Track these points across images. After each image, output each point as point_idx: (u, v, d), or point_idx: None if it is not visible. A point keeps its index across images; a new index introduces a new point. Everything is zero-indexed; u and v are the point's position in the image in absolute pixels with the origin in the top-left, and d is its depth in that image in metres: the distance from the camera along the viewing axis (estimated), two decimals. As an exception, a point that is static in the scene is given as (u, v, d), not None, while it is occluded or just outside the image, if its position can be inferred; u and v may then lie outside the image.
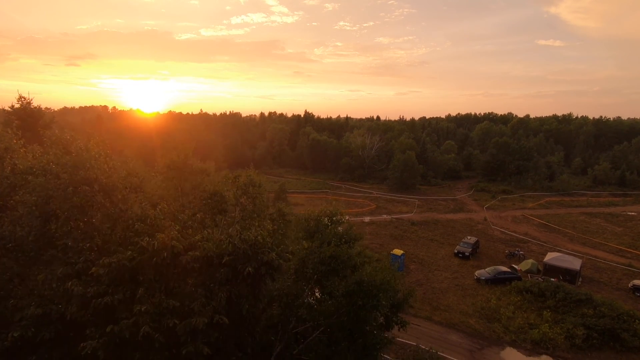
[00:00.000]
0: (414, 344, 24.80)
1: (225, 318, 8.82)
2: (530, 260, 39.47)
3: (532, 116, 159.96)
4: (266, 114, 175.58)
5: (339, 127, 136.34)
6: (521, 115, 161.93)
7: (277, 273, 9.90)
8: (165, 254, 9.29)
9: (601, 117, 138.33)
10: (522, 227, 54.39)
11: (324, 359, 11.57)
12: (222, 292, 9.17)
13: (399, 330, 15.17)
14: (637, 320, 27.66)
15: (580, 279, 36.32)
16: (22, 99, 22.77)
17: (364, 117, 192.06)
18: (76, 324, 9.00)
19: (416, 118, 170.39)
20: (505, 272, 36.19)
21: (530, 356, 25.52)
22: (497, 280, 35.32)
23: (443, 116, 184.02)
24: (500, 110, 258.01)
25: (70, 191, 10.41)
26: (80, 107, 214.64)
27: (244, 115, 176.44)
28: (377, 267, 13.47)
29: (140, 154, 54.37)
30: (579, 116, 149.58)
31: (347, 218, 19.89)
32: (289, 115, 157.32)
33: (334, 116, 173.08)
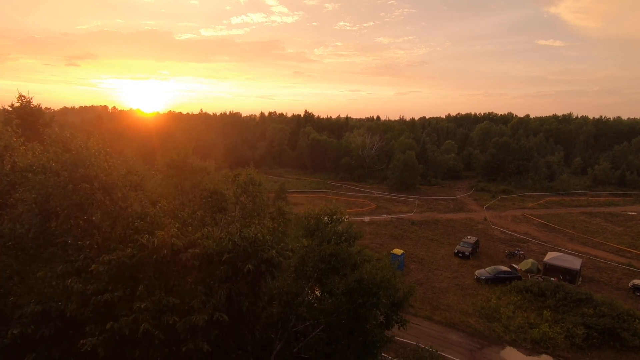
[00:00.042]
0: (414, 343, 24.77)
1: (225, 315, 8.81)
2: (530, 260, 39.46)
3: (532, 116, 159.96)
4: (266, 113, 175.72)
5: (339, 127, 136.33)
6: (521, 115, 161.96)
7: (277, 271, 9.88)
8: (165, 252, 9.29)
9: (601, 117, 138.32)
10: (522, 226, 54.38)
11: (324, 357, 11.56)
12: (222, 289, 9.15)
13: (399, 328, 15.16)
14: (637, 320, 27.64)
15: (580, 279, 36.31)
16: (22, 98, 22.78)
17: (364, 117, 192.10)
18: (76, 321, 8.98)
19: (416, 118, 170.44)
20: (505, 272, 36.18)
21: (530, 355, 25.50)
22: (497, 280, 35.32)
23: (443, 116, 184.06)
24: (500, 110, 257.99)
25: (70, 189, 10.40)
26: (80, 107, 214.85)
27: (244, 115, 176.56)
28: (378, 266, 13.45)
29: (140, 154, 54.39)
30: (579, 116, 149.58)
31: (347, 218, 19.89)
32: (289, 115, 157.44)
33: (334, 116, 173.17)
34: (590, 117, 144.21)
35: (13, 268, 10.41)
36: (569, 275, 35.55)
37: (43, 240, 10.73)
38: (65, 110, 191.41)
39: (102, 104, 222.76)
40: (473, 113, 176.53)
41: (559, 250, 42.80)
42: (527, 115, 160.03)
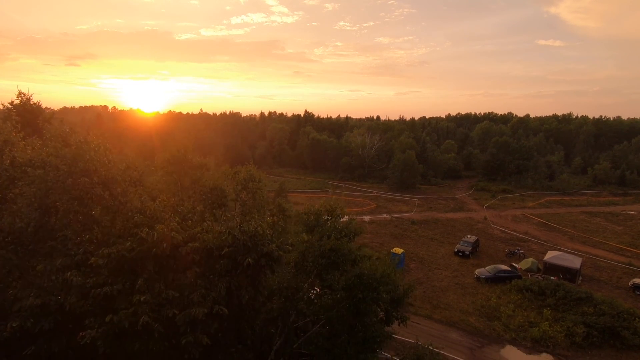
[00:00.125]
0: (414, 341, 24.74)
1: (224, 309, 8.80)
2: (531, 259, 39.42)
3: (532, 116, 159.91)
4: (266, 113, 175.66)
5: (339, 126, 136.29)
6: (521, 115, 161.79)
7: (277, 264, 9.87)
8: (165, 245, 9.28)
9: (601, 116, 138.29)
10: (522, 226, 54.35)
11: (324, 352, 11.54)
12: (222, 283, 9.15)
13: (399, 325, 15.13)
14: (637, 319, 27.60)
15: (580, 278, 36.27)
16: (22, 95, 22.71)
17: (364, 117, 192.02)
18: (75, 315, 8.96)
19: (416, 118, 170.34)
20: (505, 271, 36.14)
21: (530, 354, 25.46)
22: (497, 279, 35.28)
23: (443, 116, 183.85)
24: (500, 110, 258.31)
25: (70, 183, 10.39)
26: (80, 107, 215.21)
27: (244, 115, 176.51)
28: (378, 262, 13.42)
29: (140, 154, 54.41)
30: (579, 116, 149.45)
31: (347, 217, 19.82)
32: (289, 115, 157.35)
33: (334, 116, 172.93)
34: (590, 117, 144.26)
35: (13, 262, 10.38)
36: (569, 274, 35.51)
37: (42, 235, 10.72)
38: (65, 110, 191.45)
39: (102, 104, 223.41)
40: (473, 113, 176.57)
41: (559, 250, 42.77)
42: (527, 115, 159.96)
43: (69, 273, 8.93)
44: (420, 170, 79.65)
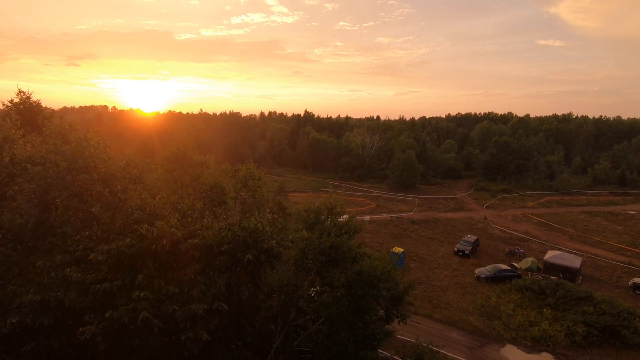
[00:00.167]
0: (414, 340, 24.74)
1: (224, 305, 8.77)
2: (531, 259, 39.40)
3: (532, 116, 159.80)
4: (266, 113, 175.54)
5: (339, 126, 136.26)
6: (521, 115, 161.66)
7: (276, 261, 9.85)
8: (164, 242, 9.26)
9: (601, 116, 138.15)
10: (522, 225, 54.33)
11: (323, 349, 11.52)
12: (222, 279, 9.12)
13: (399, 323, 15.12)
14: (637, 318, 27.57)
15: (580, 277, 36.25)
16: (22, 94, 22.66)
17: (364, 117, 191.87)
18: (75, 311, 8.94)
19: (416, 118, 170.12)
20: (505, 270, 36.12)
21: (530, 353, 25.44)
22: (497, 278, 35.26)
23: (443, 116, 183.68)
24: (500, 110, 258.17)
25: (69, 179, 10.38)
26: (80, 107, 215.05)
27: (244, 115, 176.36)
28: (378, 260, 13.39)
29: (140, 153, 54.39)
30: (579, 116, 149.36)
31: (345, 217, 19.78)
32: (289, 115, 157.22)
33: (334, 116, 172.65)
34: (590, 117, 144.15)
35: (12, 259, 10.37)
36: (569, 273, 35.48)
37: (42, 232, 10.71)
38: (65, 110, 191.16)
39: (102, 104, 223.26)
40: (473, 113, 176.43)
41: (559, 249, 42.75)
42: (527, 115, 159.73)
43: (68, 269, 8.91)
44: (420, 170, 79.63)
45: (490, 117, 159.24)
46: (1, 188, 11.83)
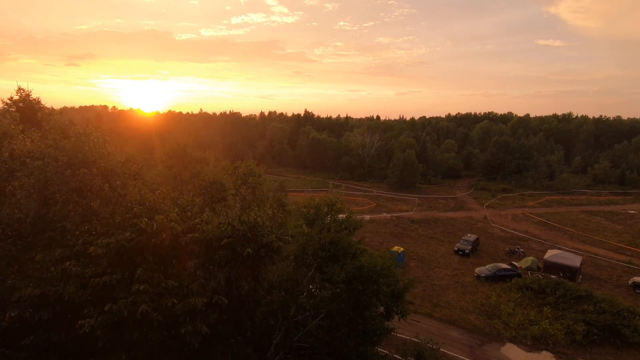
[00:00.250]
0: (415, 339, 24.71)
1: (224, 299, 8.75)
2: (531, 258, 39.37)
3: (532, 116, 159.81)
4: (266, 113, 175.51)
5: (339, 126, 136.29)
6: (521, 114, 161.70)
7: (276, 255, 9.83)
8: (164, 236, 9.24)
9: (601, 116, 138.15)
10: (522, 225, 54.32)
11: (323, 344, 11.49)
12: (221, 273, 9.10)
13: (399, 320, 15.08)
14: (637, 317, 27.56)
15: (580, 276, 36.23)
16: (21, 91, 22.58)
17: (364, 117, 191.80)
18: (74, 304, 8.92)
19: (416, 118, 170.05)
20: (505, 269, 36.11)
21: (530, 352, 25.42)
22: (497, 277, 35.25)
23: (443, 116, 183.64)
24: (500, 110, 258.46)
25: (69, 174, 10.35)
26: (80, 107, 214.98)
27: (244, 115, 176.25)
28: (377, 255, 13.37)
29: (140, 152, 54.33)
30: (579, 115, 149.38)
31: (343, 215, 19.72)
32: (289, 114, 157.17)
33: (334, 116, 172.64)
34: (590, 116, 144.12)
35: (12, 254, 10.35)
36: (569, 272, 35.47)
37: (41, 226, 10.68)
38: (65, 110, 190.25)
39: (102, 104, 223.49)
40: (473, 113, 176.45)
41: (559, 248, 42.73)
42: (527, 115, 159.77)
43: (67, 263, 8.89)
44: (420, 169, 79.62)
45: (490, 117, 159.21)
46: (0, 183, 11.80)
